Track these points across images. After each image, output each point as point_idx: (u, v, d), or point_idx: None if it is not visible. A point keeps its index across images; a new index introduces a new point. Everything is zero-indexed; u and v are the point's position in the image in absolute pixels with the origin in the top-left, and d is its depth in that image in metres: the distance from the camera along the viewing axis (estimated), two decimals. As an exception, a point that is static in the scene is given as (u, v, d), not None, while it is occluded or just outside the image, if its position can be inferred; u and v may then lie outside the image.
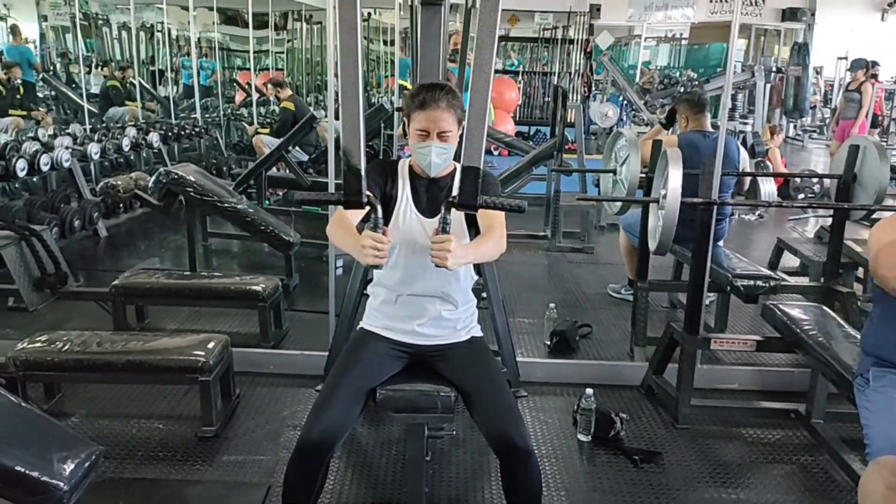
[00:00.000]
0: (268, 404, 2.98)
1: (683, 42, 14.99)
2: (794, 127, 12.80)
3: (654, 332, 3.46)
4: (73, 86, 10.12)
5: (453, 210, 1.81)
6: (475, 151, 1.68)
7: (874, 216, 5.16)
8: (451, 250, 1.68)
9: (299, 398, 3.03)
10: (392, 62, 11.98)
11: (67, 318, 3.64)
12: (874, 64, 8.74)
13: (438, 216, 1.73)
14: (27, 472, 1.79)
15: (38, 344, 2.69)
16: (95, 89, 9.42)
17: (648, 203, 3.12)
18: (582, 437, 2.74)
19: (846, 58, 11.41)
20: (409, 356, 2.03)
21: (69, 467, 1.86)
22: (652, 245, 2.93)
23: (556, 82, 10.18)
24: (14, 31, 9.57)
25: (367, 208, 1.83)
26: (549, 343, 3.59)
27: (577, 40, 11.61)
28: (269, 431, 2.76)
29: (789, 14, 12.84)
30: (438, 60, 2.38)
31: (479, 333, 2.09)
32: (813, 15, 12.79)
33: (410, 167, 2.02)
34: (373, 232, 1.71)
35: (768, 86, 10.75)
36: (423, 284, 1.97)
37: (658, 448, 2.70)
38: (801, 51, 10.55)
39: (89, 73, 10.24)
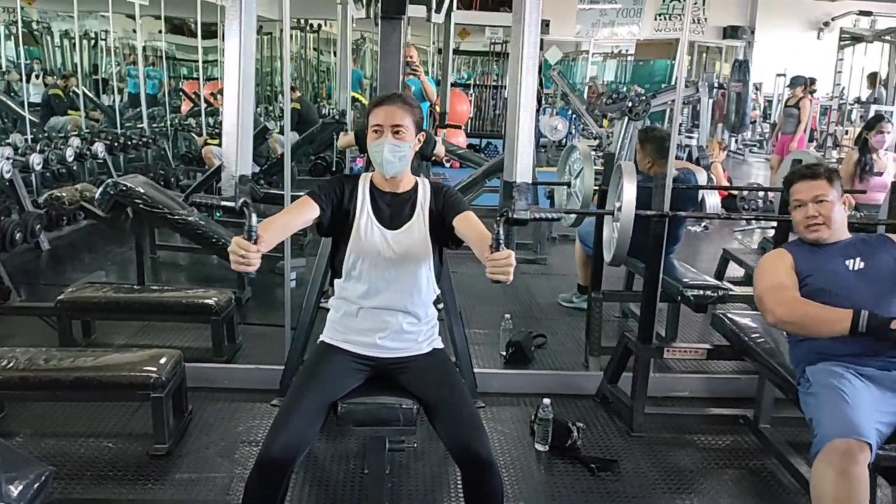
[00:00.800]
0: (222, 420, 2.92)
1: (629, 58, 15.34)
2: (736, 141, 13.20)
3: (607, 341, 3.53)
4: (12, 94, 9.82)
5: (415, 221, 1.84)
6: (525, 167, 1.86)
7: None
8: (514, 264, 1.64)
9: (254, 413, 2.98)
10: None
11: (10, 335, 3.51)
12: (812, 81, 9.09)
13: (492, 235, 1.66)
14: (-28, 495, 1.73)
15: (-20, 361, 2.59)
16: (35, 98, 9.14)
17: (602, 215, 3.18)
18: (539, 447, 2.77)
19: (784, 74, 11.85)
20: (371, 369, 2.02)
21: (18, 488, 1.82)
22: (607, 256, 2.99)
23: (507, 95, 10.28)
24: None
25: (317, 209, 1.91)
26: (504, 354, 3.61)
27: (527, 54, 11.78)
28: (224, 448, 2.71)
29: (730, 32, 13.30)
30: (398, 73, 2.40)
31: (440, 345, 2.10)
32: (753, 33, 13.27)
33: (372, 181, 2.03)
34: (241, 239, 1.69)
35: (711, 101, 11.08)
36: (385, 296, 1.97)
37: (614, 456, 2.74)
38: (741, 67, 10.88)
39: (28, 81, 9.95)
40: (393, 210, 1.99)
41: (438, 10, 4.60)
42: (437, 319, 2.12)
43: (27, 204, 5.12)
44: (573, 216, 3.46)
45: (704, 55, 14.85)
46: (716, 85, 11.58)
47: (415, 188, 2.03)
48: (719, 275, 4.67)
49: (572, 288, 4.66)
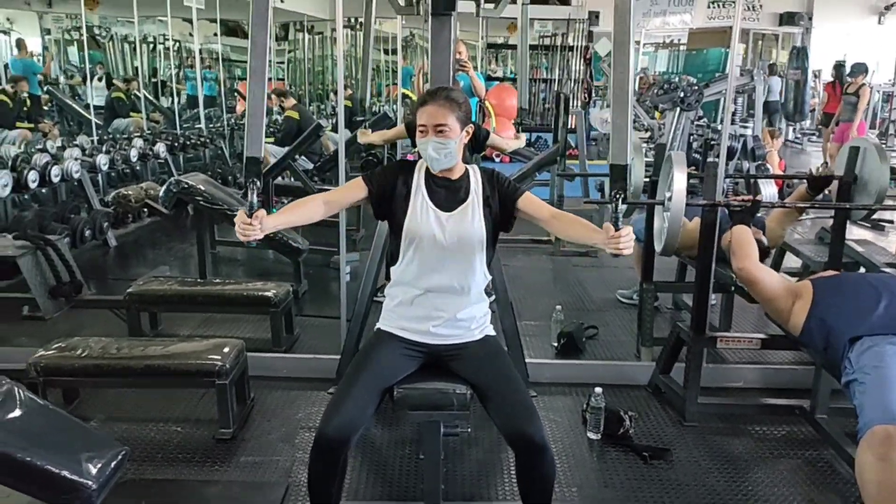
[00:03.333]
0: (282, 407, 3.03)
1: (682, 48, 15.08)
2: (794, 130, 12.88)
3: (659, 332, 3.52)
4: (77, 98, 10.23)
5: (469, 204, 2.01)
6: (621, 150, 2.02)
7: (874, 216, 5.20)
8: (633, 237, 1.88)
9: (313, 401, 3.08)
10: (393, 71, 12.10)
11: (82, 326, 3.69)
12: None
13: (611, 215, 1.90)
14: (57, 471, 1.85)
15: (58, 350, 2.75)
16: (97, 101, 9.49)
17: (654, 205, 3.18)
18: (592, 436, 2.80)
19: (844, 61, 11.52)
20: (425, 356, 2.08)
21: (97, 467, 1.92)
22: (658, 246, 2.99)
23: (557, 89, 10.25)
24: (20, 44, 9.66)
25: (365, 191, 2.06)
26: (556, 345, 3.64)
27: (577, 47, 11.71)
28: (285, 433, 2.82)
29: (787, 18, 12.97)
30: (448, 69, 2.45)
31: (492, 333, 2.15)
32: (811, 19, 12.92)
33: (426, 168, 2.09)
34: (242, 212, 1.90)
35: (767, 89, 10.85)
36: (440, 278, 2.03)
37: (666, 445, 2.75)
38: (799, 55, 10.64)
39: (89, 84, 10.35)
40: (447, 194, 2.05)
41: (492, 1, 4.61)
42: (489, 307, 2.17)
43: (95, 202, 5.36)
44: (623, 207, 3.46)
45: (760, 42, 14.51)
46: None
47: (466, 175, 2.08)
48: (776, 265, 4.60)
49: (625, 281, 4.65)
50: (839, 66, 9.71)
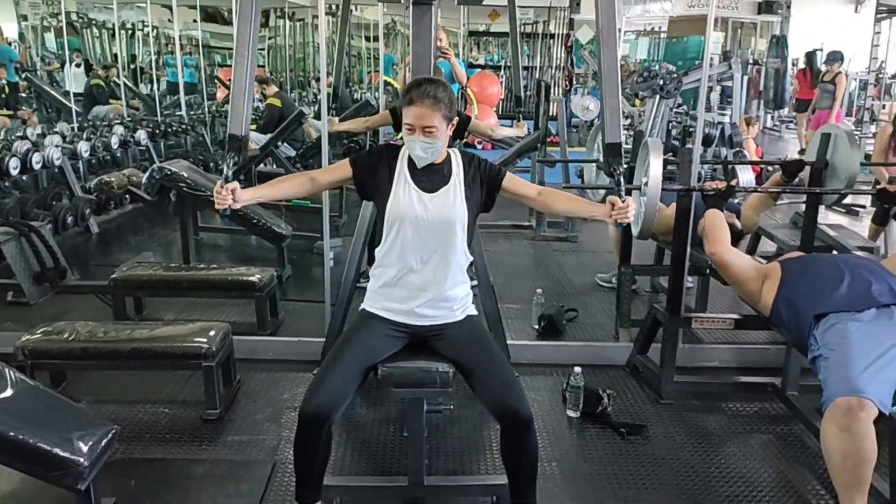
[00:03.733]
0: (267, 388, 3.08)
1: (662, 35, 15.19)
2: (772, 118, 13.04)
3: (637, 315, 3.60)
4: (55, 85, 10.13)
5: (450, 186, 2.09)
6: (615, 129, 2.16)
7: (848, 201, 5.30)
8: (634, 208, 2.07)
9: (298, 382, 3.14)
10: (374, 58, 12.09)
11: (67, 311, 3.71)
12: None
13: (616, 189, 2.15)
14: (49, 449, 1.90)
15: (45, 334, 2.78)
16: (75, 88, 9.41)
17: (631, 191, 3.25)
18: (571, 413, 2.88)
19: (822, 50, 11.67)
20: (409, 336, 2.14)
21: (87, 445, 1.98)
22: (635, 230, 3.07)
23: (538, 76, 10.31)
24: None
25: (350, 172, 2.16)
26: (537, 327, 3.72)
27: (558, 35, 11.77)
28: (271, 413, 2.87)
29: (765, 7, 13.09)
30: (430, 57, 2.50)
31: (474, 312, 2.21)
32: (789, 7, 13.05)
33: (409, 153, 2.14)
34: (219, 183, 2.10)
35: (745, 77, 10.96)
36: (422, 256, 2.08)
37: (643, 422, 2.84)
38: (779, 43, 10.75)
39: (62, 70, 10.27)
40: (430, 177, 2.10)
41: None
42: (470, 287, 2.23)
43: (77, 189, 5.35)
44: (602, 193, 3.54)
45: (739, 31, 14.64)
46: (750, 61, 11.43)
47: (448, 159, 2.13)
48: (751, 250, 4.71)
49: (604, 265, 4.74)
50: (811, 55, 9.88)
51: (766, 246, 4.78)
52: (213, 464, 2.51)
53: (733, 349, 3.39)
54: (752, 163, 6.74)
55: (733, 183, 2.90)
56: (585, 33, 13.04)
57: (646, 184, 2.78)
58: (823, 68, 8.86)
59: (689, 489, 2.42)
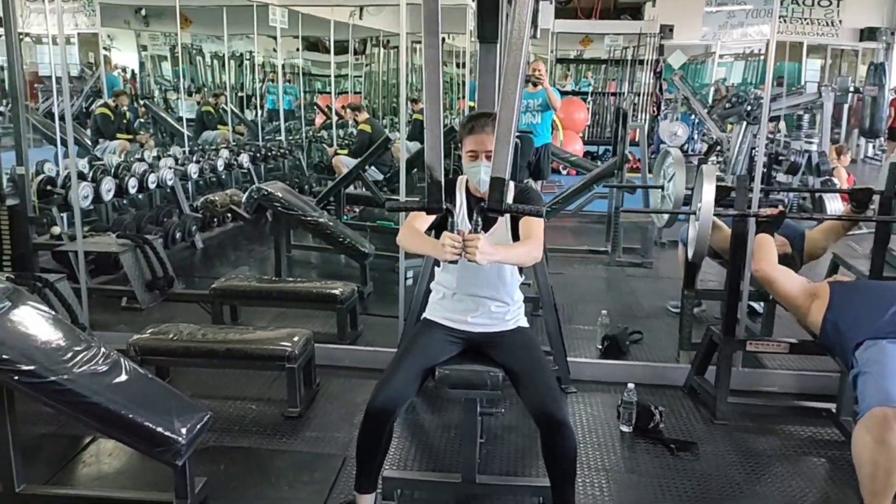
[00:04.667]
0: (344, 392, 3.37)
1: (760, 58, 14.88)
2: (873, 147, 12.56)
3: (700, 338, 3.69)
4: (170, 111, 11.00)
5: (500, 218, 2.18)
6: (501, 164, 1.92)
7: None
8: (479, 247, 1.96)
9: (371, 388, 3.36)
10: (462, 84, 12.43)
11: (172, 316, 4.13)
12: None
13: (472, 220, 2.05)
14: (154, 427, 2.22)
15: (153, 334, 3.16)
16: (187, 114, 10.20)
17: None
18: (624, 428, 3.02)
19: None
20: (464, 342, 2.37)
21: (186, 426, 2.29)
22: (689, 252, 3.19)
23: (617, 103, 10.39)
24: (105, 60, 10.41)
25: (432, 218, 2.22)
26: (600, 346, 3.86)
27: (647, 60, 11.79)
28: (345, 414, 3.15)
29: (868, 34, 12.67)
30: (494, 92, 2.73)
31: (525, 324, 2.42)
32: (893, 34, 12.57)
33: (467, 185, 2.37)
34: (450, 233, 2.03)
35: (846, 106, 10.66)
36: (474, 287, 2.32)
37: (695, 440, 2.95)
38: (877, 71, 10.43)
39: (178, 98, 11.12)
40: (484, 216, 2.27)
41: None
42: (522, 301, 2.44)
43: (185, 207, 5.88)
44: (665, 217, 3.67)
45: (839, 58, 14.20)
46: (851, 89, 11.09)
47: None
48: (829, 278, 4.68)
49: (676, 292, 4.80)
50: None
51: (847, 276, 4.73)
52: (291, 455, 2.81)
53: (793, 375, 3.43)
54: (838, 191, 6.63)
55: (783, 210, 2.98)
56: (678, 58, 12.99)
57: (699, 209, 2.91)
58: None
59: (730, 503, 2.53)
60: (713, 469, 2.75)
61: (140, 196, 5.90)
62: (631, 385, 3.02)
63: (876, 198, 3.61)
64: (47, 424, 2.96)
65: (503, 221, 2.31)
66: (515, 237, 2.29)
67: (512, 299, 2.38)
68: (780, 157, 8.11)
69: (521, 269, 2.38)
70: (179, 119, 9.90)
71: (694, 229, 3.08)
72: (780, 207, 3.05)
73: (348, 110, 7.85)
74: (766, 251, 2.90)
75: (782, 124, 9.23)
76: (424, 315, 2.47)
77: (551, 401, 2.16)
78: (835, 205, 6.08)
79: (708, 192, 2.86)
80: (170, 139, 9.74)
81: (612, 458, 2.83)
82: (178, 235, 5.45)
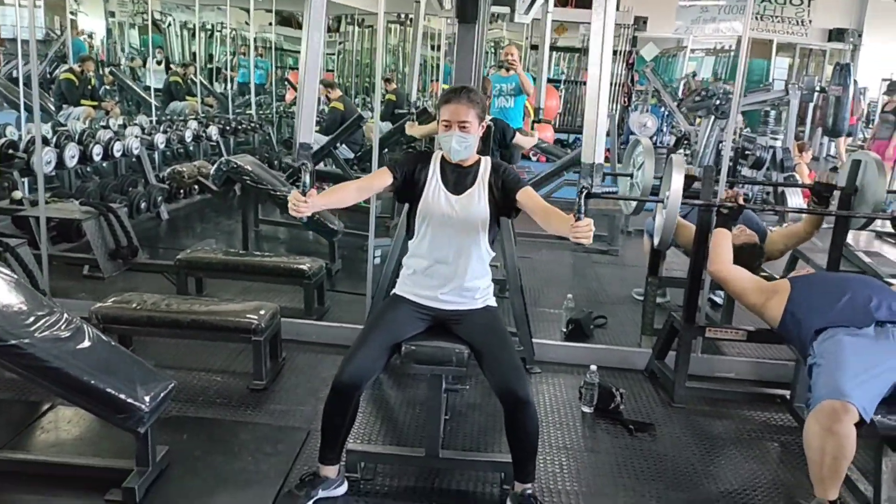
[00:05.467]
0: (310, 367, 3.37)
1: (731, 54, 15.07)
2: (835, 145, 12.84)
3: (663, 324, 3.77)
4: (137, 80, 10.77)
5: (475, 189, 2.32)
6: (591, 150, 2.19)
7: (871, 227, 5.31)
8: (593, 230, 2.08)
9: (337, 363, 3.31)
10: (436, 67, 12.40)
11: (136, 286, 4.05)
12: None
13: (575, 207, 2.12)
14: (116, 394, 2.21)
15: (117, 302, 3.13)
16: (155, 83, 10.00)
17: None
18: (585, 409, 3.08)
19: (892, 79, 11.45)
20: (432, 319, 2.39)
21: (149, 394, 2.28)
22: (656, 240, 3.25)
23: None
24: (72, 25, 10.16)
25: (387, 178, 2.36)
26: (564, 329, 3.92)
27: (620, 51, 11.87)
28: (310, 388, 3.15)
29: (836, 34, 12.91)
30: (471, 71, 2.74)
31: (493, 304, 2.45)
32: (860, 36, 12.83)
33: (442, 157, 2.39)
34: (296, 191, 2.19)
35: (811, 105, 10.86)
36: (448, 249, 2.34)
37: (653, 422, 3.02)
38: (842, 71, 10.65)
39: (144, 66, 10.90)
40: (457, 178, 2.35)
41: (526, 12, 4.90)
42: (491, 280, 2.47)
43: (151, 177, 5.79)
44: (633, 205, 3.73)
45: (807, 58, 14.44)
46: (818, 88, 11.30)
47: (478, 163, 2.38)
48: (788, 271, 4.79)
49: (640, 279, 4.88)
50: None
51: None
52: (255, 427, 2.81)
53: (750, 362, 3.53)
54: (804, 186, 6.79)
55: (741, 201, 3.05)
56: (650, 50, 13.10)
57: (667, 197, 2.96)
58: (885, 98, 8.79)
59: (685, 483, 2.60)
60: (669, 450, 2.82)
61: (104, 164, 5.79)
62: (593, 367, 3.08)
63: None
64: (4, 390, 2.92)
65: (476, 193, 2.33)
66: (496, 208, 2.35)
67: (483, 272, 2.41)
68: (746, 152, 8.26)
69: (492, 244, 2.41)
70: (147, 88, 9.72)
71: (661, 216, 3.14)
72: (737, 191, 3.12)
73: (321, 87, 7.76)
74: (722, 248, 2.97)
75: (739, 118, 9.39)
76: (394, 290, 2.48)
77: (515, 380, 2.20)
78: (796, 200, 6.23)
79: (677, 181, 2.91)
80: (136, 108, 9.55)
81: (572, 437, 2.88)
82: (143, 205, 5.36)
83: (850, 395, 2.16)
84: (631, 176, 3.85)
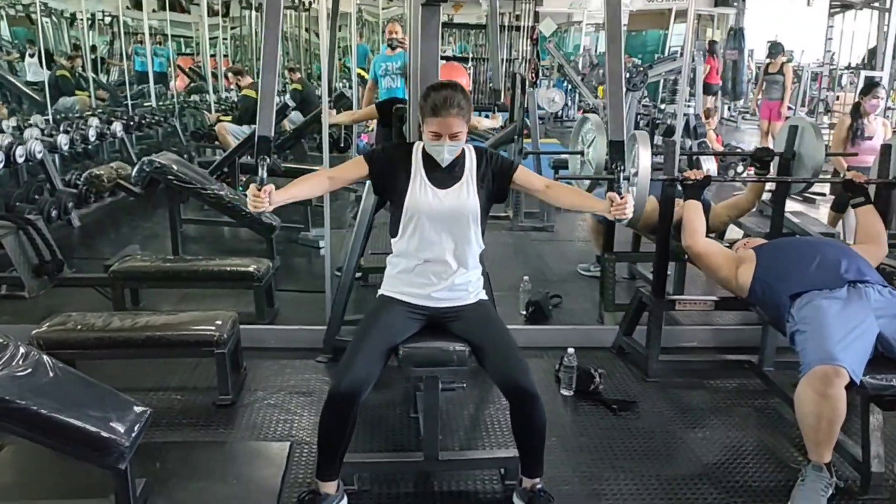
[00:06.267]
0: (273, 375, 3.19)
1: (623, 29, 15.47)
2: (729, 108, 13.46)
3: (618, 300, 3.81)
4: (15, 75, 9.92)
5: (464, 182, 2.25)
6: (618, 127, 2.16)
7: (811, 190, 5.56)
8: (632, 204, 2.15)
9: (302, 369, 3.25)
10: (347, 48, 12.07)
11: (65, 304, 3.73)
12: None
13: (616, 185, 2.17)
14: (93, 430, 2.00)
15: (58, 325, 2.85)
16: (33, 78, 9.24)
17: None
18: (565, 392, 3.06)
19: (776, 41, 12.06)
20: (426, 318, 2.29)
21: (125, 426, 2.08)
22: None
23: (511, 69, 10.48)
24: None
25: (366, 169, 2.28)
26: (524, 312, 3.89)
27: (523, 27, 11.94)
28: (281, 398, 2.99)
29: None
30: (437, 57, 2.62)
31: (485, 297, 2.37)
32: (744, 1, 13.45)
33: (423, 149, 2.27)
34: (254, 186, 2.12)
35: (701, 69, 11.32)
36: (437, 248, 2.24)
37: (632, 399, 3.04)
38: (736, 35, 11.12)
39: (22, 60, 10.06)
40: (444, 173, 2.24)
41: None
42: (482, 273, 2.39)
43: (57, 182, 5.34)
44: (587, 184, 3.73)
45: (696, 23, 15.01)
46: (707, 53, 11.74)
47: (462, 154, 2.28)
48: (720, 236, 4.95)
49: (581, 255, 4.96)
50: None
51: (733, 234, 5.02)
52: (231, 445, 2.62)
53: (711, 330, 3.62)
54: (715, 154, 7.05)
55: (709, 173, 3.10)
56: (549, 26, 13.24)
57: (635, 174, 2.96)
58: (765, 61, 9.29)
59: (680, 458, 2.63)
60: (655, 426, 2.85)
61: (1, 171, 5.28)
62: (571, 350, 3.06)
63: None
64: (-61, 434, 2.61)
65: (464, 187, 2.24)
66: (486, 198, 2.28)
67: (476, 266, 2.33)
68: (659, 123, 8.51)
69: (483, 233, 2.33)
70: (28, 84, 8.99)
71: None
72: (702, 171, 3.16)
73: (230, 75, 7.41)
74: (696, 223, 2.99)
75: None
76: (381, 291, 2.36)
77: (521, 374, 2.14)
78: (709, 166, 6.46)
79: (644, 157, 2.91)
80: (18, 106, 8.80)
81: (560, 422, 2.86)
82: (53, 214, 4.95)
83: (840, 359, 2.22)
84: (581, 154, 3.84)
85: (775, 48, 9.07)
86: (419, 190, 2.23)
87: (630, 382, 3.20)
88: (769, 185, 4.02)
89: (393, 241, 2.33)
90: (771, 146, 4.19)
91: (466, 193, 2.24)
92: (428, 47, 2.59)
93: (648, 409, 2.98)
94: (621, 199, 2.14)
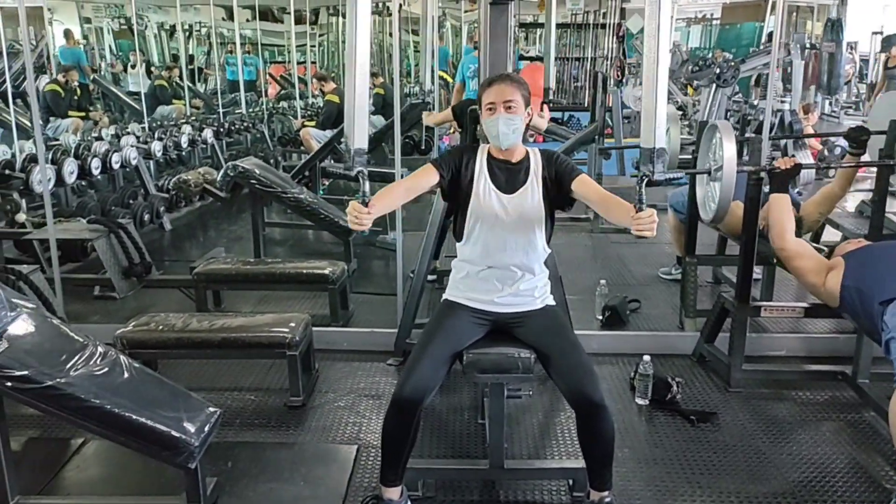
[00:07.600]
0: (345, 377, 3.22)
1: (715, 22, 14.92)
2: (830, 104, 12.73)
3: (700, 305, 3.65)
4: (118, 86, 10.49)
5: (528, 186, 2.17)
6: (650, 134, 1.93)
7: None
8: (656, 221, 1.92)
9: (373, 371, 3.27)
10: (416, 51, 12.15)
11: (151, 304, 3.91)
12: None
13: (636, 196, 1.94)
14: (165, 429, 2.06)
15: (141, 325, 2.96)
16: (135, 88, 9.73)
17: (695, 179, 3.29)
18: (640, 401, 2.95)
19: (881, 32, 11.33)
20: (491, 323, 2.24)
21: (196, 426, 2.13)
22: (706, 216, 3.10)
23: (594, 68, 10.30)
24: (67, 34, 9.93)
25: (437, 176, 2.19)
26: (601, 317, 3.78)
27: (609, 24, 11.69)
28: (350, 400, 3.01)
29: (822, -11, 12.79)
30: (506, 56, 2.58)
31: (552, 302, 2.31)
32: (847, -10, 12.72)
33: (489, 152, 2.24)
34: (356, 202, 1.98)
35: (802, 63, 10.74)
36: (503, 255, 2.19)
37: (712, 409, 2.89)
38: (834, 27, 10.50)
39: (125, 71, 10.63)
40: (508, 176, 2.20)
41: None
42: (548, 278, 2.32)
43: (151, 187, 5.59)
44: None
45: (795, 15, 14.31)
46: (807, 46, 11.18)
47: (527, 157, 2.23)
48: (816, 237, 4.67)
49: (663, 258, 4.78)
50: None
51: (830, 235, 4.74)
52: (300, 447, 2.66)
53: (800, 338, 3.41)
54: (811, 136, 6.69)
55: (800, 161, 2.90)
56: (636, 22, 12.90)
57: (717, 168, 2.81)
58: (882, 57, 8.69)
59: (761, 475, 2.47)
60: (736, 439, 2.70)
61: (99, 177, 5.58)
62: (647, 357, 2.95)
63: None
64: (31, 428, 2.76)
65: (529, 191, 2.19)
66: (550, 203, 2.22)
67: (541, 271, 2.27)
68: (750, 119, 8.13)
69: (549, 238, 2.26)
70: (129, 94, 9.47)
71: (703, 189, 2.99)
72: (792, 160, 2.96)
73: (315, 80, 7.57)
74: (785, 219, 2.82)
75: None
76: (445, 296, 2.33)
77: (588, 383, 2.06)
78: (807, 162, 6.12)
79: (729, 149, 2.75)
80: (120, 115, 9.30)
81: (633, 433, 2.75)
82: (146, 217, 5.17)
83: None
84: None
85: (888, 41, 8.49)
86: (483, 195, 2.19)
87: (710, 392, 3.05)
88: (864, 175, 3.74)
89: (458, 245, 2.30)
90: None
91: (531, 198, 2.19)
92: (497, 46, 2.55)
93: (729, 420, 2.82)
94: (637, 213, 1.92)
